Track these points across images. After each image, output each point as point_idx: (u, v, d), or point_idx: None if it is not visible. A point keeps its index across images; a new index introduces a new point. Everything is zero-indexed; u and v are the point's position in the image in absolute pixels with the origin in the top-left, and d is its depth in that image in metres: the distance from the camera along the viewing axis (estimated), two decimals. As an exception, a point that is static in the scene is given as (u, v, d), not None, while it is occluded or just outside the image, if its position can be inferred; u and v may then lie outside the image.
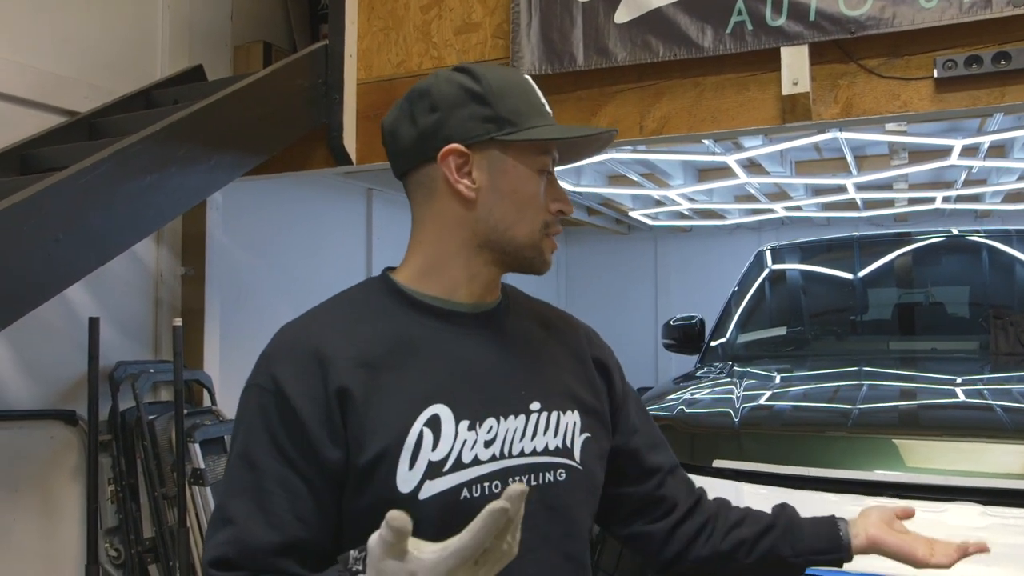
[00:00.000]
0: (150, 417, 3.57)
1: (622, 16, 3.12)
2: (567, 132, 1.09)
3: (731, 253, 7.34)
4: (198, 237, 4.03)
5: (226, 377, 4.09)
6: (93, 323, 3.35)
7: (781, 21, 2.90)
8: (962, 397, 2.62)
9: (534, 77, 3.23)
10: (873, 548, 1.26)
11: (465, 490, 1.01)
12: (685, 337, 3.92)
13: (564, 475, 1.10)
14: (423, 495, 0.99)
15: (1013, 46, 2.70)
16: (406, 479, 0.99)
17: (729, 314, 3.82)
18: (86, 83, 3.55)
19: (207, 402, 3.93)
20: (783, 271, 4.03)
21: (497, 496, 0.99)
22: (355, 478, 1.00)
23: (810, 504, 2.11)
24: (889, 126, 4.06)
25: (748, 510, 1.31)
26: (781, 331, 3.67)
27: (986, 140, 4.33)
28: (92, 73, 3.60)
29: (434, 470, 1.00)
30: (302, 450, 0.99)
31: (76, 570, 3.46)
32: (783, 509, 1.31)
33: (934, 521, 2.00)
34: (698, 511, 1.28)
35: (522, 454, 1.07)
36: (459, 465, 1.02)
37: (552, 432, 1.10)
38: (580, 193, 5.93)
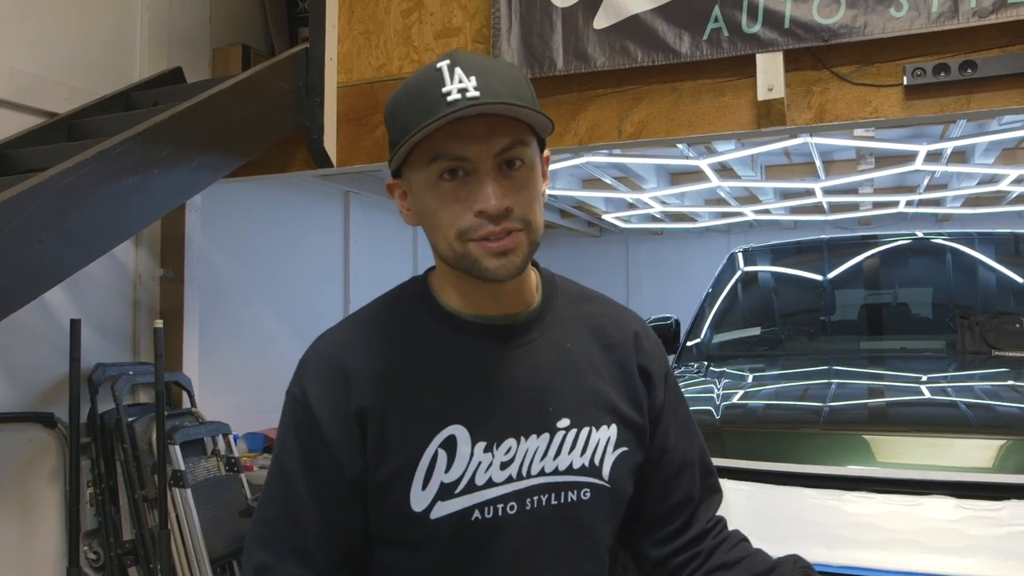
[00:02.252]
0: (130, 419, 3.56)
1: (601, 22, 3.17)
2: (418, 124, 0.96)
3: (701, 255, 7.47)
4: (177, 239, 4.02)
5: (205, 378, 4.09)
6: (74, 325, 3.33)
7: (756, 28, 2.97)
8: (928, 395, 2.71)
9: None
10: None
11: (477, 512, 1.02)
12: (661, 338, 3.98)
13: (589, 494, 1.08)
14: (434, 515, 1.00)
15: (979, 55, 2.80)
16: (419, 498, 1.00)
17: (704, 315, 3.90)
18: (65, 84, 3.53)
19: (186, 404, 3.93)
20: (755, 273, 4.11)
21: (509, 518, 1.02)
22: (373, 491, 1.03)
23: (789, 499, 2.19)
24: (857, 132, 4.17)
25: (752, 555, 1.18)
26: (755, 331, 3.75)
27: (949, 146, 4.46)
28: (71, 74, 3.58)
29: (446, 492, 1.01)
30: (326, 461, 1.03)
31: (55, 573, 3.44)
32: (786, 565, 1.15)
33: (910, 514, 2.08)
34: (697, 544, 1.19)
35: (542, 473, 1.05)
36: (471, 487, 1.02)
37: (579, 450, 1.07)
38: (555, 196, 5.99)
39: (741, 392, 2.83)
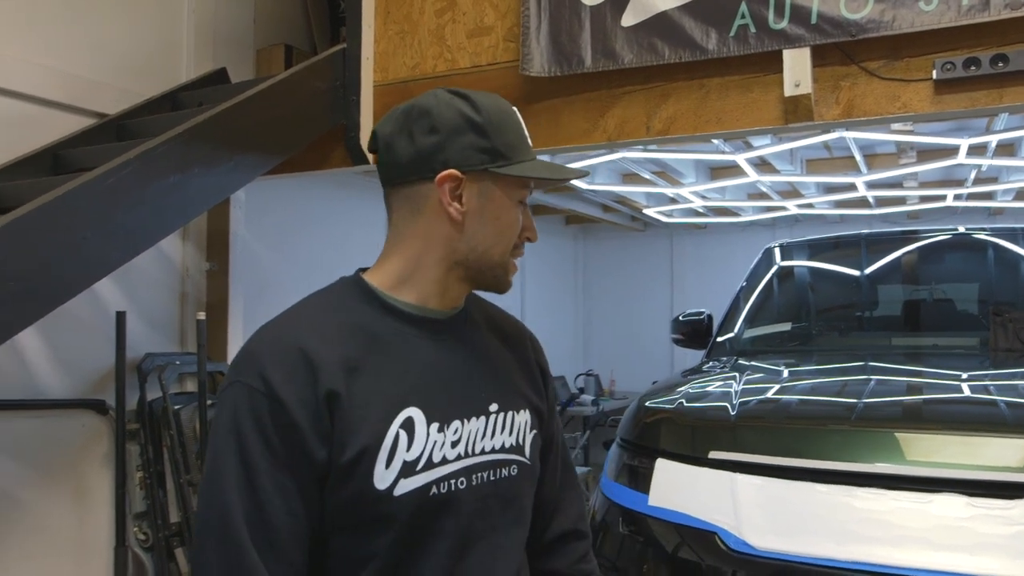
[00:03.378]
0: (176, 407, 3.72)
1: (629, 19, 3.20)
2: (551, 173, 1.20)
3: (746, 250, 7.39)
4: (222, 233, 4.17)
5: (248, 369, 4.22)
6: (120, 317, 3.50)
7: (783, 24, 2.97)
8: (954, 393, 2.68)
9: (543, 79, 3.33)
10: None
11: (434, 487, 1.11)
12: (693, 332, 4.01)
13: (516, 470, 1.23)
14: (398, 492, 1.08)
15: (1011, 48, 2.75)
16: (383, 477, 1.07)
17: (736, 309, 3.90)
18: (115, 86, 3.70)
19: (230, 393, 4.06)
20: (791, 268, 4.10)
21: (460, 492, 1.14)
22: (336, 474, 1.07)
23: (800, 494, 2.21)
24: (895, 125, 4.12)
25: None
26: (786, 326, 3.75)
27: (993, 139, 4.37)
28: (121, 76, 3.75)
29: (408, 469, 1.09)
30: (294, 451, 1.05)
31: (107, 552, 3.62)
32: None
33: (920, 512, 2.08)
34: (552, 549, 1.38)
35: (483, 452, 1.18)
36: (430, 465, 1.11)
37: (508, 431, 1.22)
38: (595, 191, 6.02)
39: (765, 387, 2.84)
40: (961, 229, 3.99)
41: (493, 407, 1.21)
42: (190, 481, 3.67)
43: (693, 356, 7.15)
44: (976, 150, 4.73)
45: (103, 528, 3.64)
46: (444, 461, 1.13)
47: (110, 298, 3.67)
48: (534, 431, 1.27)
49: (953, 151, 4.72)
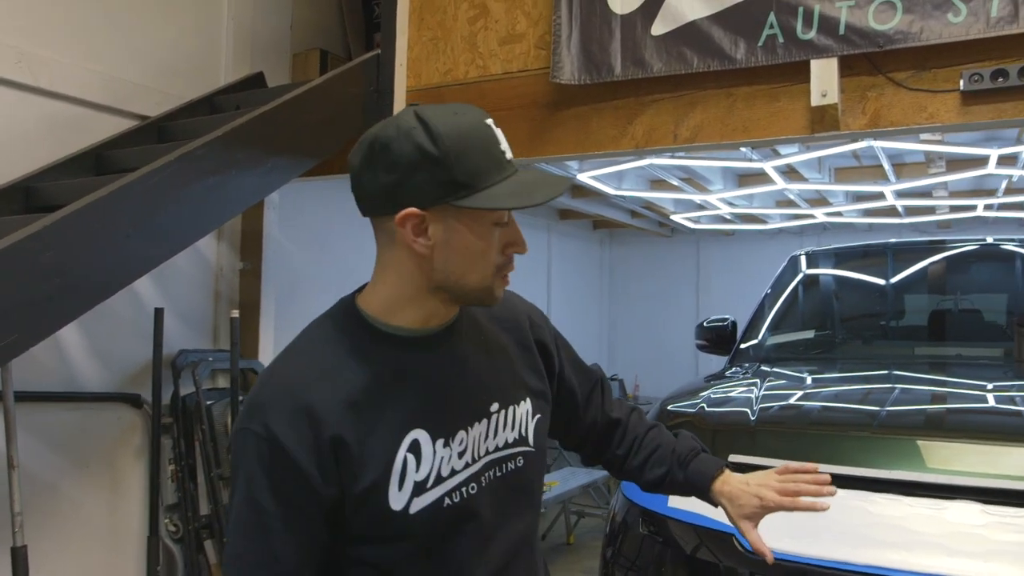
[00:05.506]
0: (208, 402, 3.81)
1: (659, 29, 3.24)
2: (517, 201, 1.11)
3: (773, 257, 7.38)
4: (256, 234, 4.27)
5: (279, 367, 4.31)
6: (158, 313, 3.60)
7: (811, 35, 3.00)
8: (990, 402, 2.69)
9: (573, 87, 3.38)
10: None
11: (447, 498, 1.17)
12: (717, 338, 4.04)
13: (522, 460, 1.29)
14: (413, 510, 1.14)
15: (1039, 61, 2.76)
16: (397, 499, 1.13)
17: (760, 316, 3.93)
18: (156, 89, 3.81)
19: (261, 390, 4.15)
20: (816, 276, 4.11)
21: (473, 496, 1.19)
22: (352, 502, 1.12)
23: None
24: (924, 135, 4.12)
25: (655, 445, 1.51)
26: (809, 334, 3.77)
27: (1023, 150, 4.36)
28: (162, 80, 3.86)
29: (420, 488, 1.15)
30: (300, 489, 1.10)
31: (139, 542, 3.72)
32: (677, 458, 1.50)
33: (935, 518, 2.11)
34: (625, 435, 1.54)
35: (487, 453, 1.23)
36: (439, 480, 1.16)
37: (510, 426, 1.27)
38: (623, 197, 6.05)
39: (786, 393, 2.87)
40: (989, 240, 3.98)
41: (494, 407, 1.25)
42: (220, 475, 3.75)
43: (718, 362, 7.15)
44: (1006, 160, 4.71)
45: (136, 518, 3.74)
46: (453, 473, 1.18)
47: (146, 295, 3.78)
48: (537, 416, 1.32)
49: (983, 161, 4.71)
